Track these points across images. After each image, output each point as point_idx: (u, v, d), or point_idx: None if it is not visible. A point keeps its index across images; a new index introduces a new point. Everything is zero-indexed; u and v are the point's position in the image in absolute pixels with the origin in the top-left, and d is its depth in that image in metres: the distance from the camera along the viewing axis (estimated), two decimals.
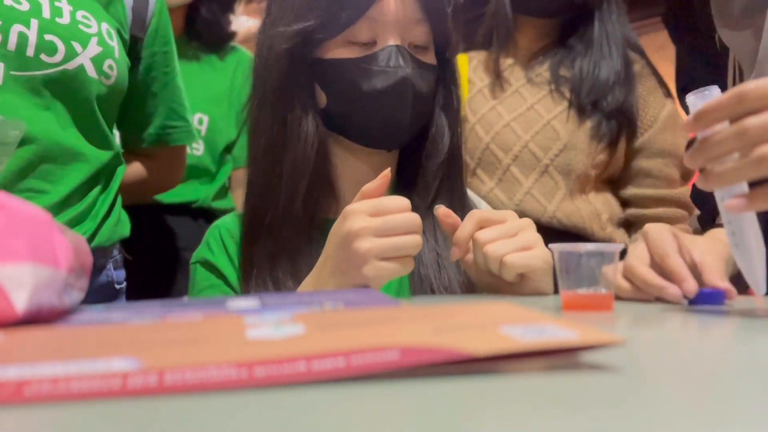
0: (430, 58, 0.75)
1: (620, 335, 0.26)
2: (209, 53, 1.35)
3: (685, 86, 0.88)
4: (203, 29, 1.32)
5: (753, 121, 0.44)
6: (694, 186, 0.89)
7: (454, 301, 0.66)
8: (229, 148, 1.37)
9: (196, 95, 1.19)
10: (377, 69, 0.71)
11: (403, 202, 0.59)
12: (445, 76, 0.78)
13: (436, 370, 0.24)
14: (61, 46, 0.79)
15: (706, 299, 0.54)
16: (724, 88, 0.53)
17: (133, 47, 0.93)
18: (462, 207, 0.77)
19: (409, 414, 0.20)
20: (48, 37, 0.78)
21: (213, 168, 1.33)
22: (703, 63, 0.84)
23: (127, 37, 0.91)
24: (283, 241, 0.71)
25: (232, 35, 1.39)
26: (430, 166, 0.77)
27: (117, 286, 0.95)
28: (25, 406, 0.21)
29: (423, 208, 0.71)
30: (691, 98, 0.50)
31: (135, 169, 1.03)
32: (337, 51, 0.72)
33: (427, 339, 0.26)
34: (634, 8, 1.19)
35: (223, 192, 1.36)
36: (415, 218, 0.58)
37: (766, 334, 0.39)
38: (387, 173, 0.61)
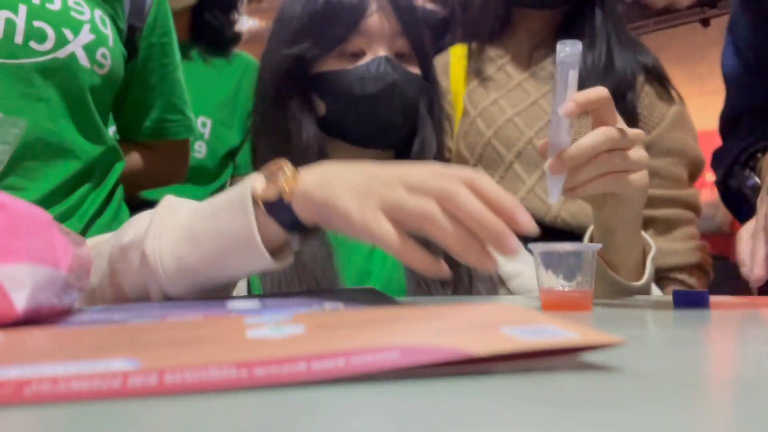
0: (414, 68, 0.83)
1: (620, 336, 0.26)
2: (217, 57, 1.35)
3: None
4: (208, 33, 1.32)
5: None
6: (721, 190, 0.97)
7: (454, 301, 0.66)
8: (231, 153, 1.37)
9: (200, 98, 1.18)
10: (369, 76, 0.78)
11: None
12: (428, 85, 0.85)
13: (436, 370, 0.24)
14: (51, 33, 0.76)
15: (690, 301, 0.54)
16: None
17: (131, 38, 0.90)
18: None
19: (409, 414, 0.20)
20: (37, 23, 0.75)
21: (214, 171, 1.33)
22: None
23: (123, 26, 0.89)
24: None
25: (238, 37, 1.38)
26: None
27: None
28: (24, 406, 0.21)
29: None
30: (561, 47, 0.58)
31: (132, 160, 1.00)
32: (332, 64, 0.81)
33: (427, 339, 0.26)
34: (635, 8, 1.19)
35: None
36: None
37: (760, 333, 0.40)
38: None
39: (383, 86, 0.78)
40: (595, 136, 0.57)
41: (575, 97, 0.57)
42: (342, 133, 0.83)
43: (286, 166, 0.52)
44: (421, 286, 0.74)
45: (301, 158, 0.75)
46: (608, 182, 0.59)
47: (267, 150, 0.82)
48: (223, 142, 1.33)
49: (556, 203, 0.57)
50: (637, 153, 0.60)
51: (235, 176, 1.40)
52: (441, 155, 0.86)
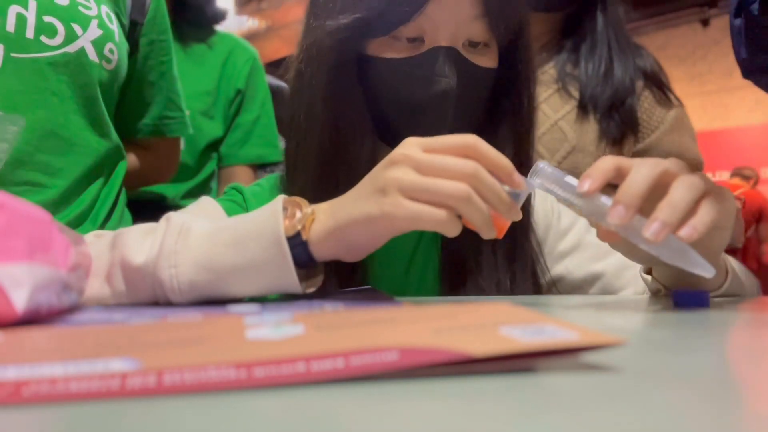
0: (488, 60, 0.66)
1: (620, 336, 0.26)
2: (198, 42, 1.31)
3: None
4: (189, 13, 1.29)
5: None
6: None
7: (454, 301, 0.66)
8: (213, 145, 1.32)
9: None
10: (420, 75, 0.63)
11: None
12: (514, 77, 0.69)
13: (436, 371, 0.24)
14: (60, 28, 0.77)
15: (690, 300, 0.54)
16: None
17: (131, 34, 0.91)
18: (525, 227, 0.70)
19: (408, 415, 0.20)
20: (47, 18, 0.76)
21: (193, 166, 1.29)
22: None
23: (126, 21, 0.89)
24: None
25: (220, 14, 1.34)
26: None
27: None
28: (23, 406, 0.21)
29: None
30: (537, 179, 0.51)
31: (129, 161, 1.00)
32: (382, 48, 0.65)
33: (426, 339, 0.26)
34: (635, 8, 1.19)
35: (203, 189, 1.31)
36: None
37: (760, 332, 0.39)
38: None
39: (432, 93, 0.63)
40: (642, 171, 0.46)
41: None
42: (378, 133, 0.68)
43: (305, 206, 0.52)
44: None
45: (353, 163, 0.65)
46: (707, 210, 0.46)
47: (314, 149, 0.67)
48: (203, 134, 1.29)
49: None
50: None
51: (222, 167, 1.35)
52: (525, 156, 0.69)
